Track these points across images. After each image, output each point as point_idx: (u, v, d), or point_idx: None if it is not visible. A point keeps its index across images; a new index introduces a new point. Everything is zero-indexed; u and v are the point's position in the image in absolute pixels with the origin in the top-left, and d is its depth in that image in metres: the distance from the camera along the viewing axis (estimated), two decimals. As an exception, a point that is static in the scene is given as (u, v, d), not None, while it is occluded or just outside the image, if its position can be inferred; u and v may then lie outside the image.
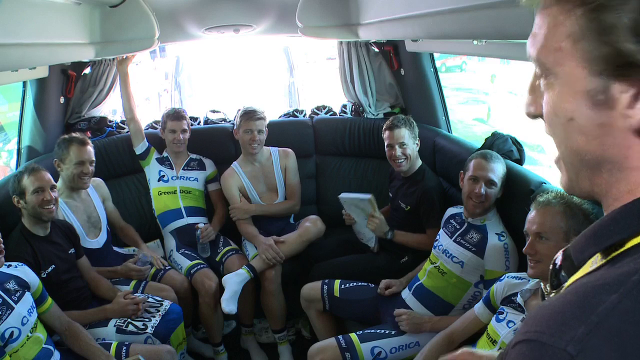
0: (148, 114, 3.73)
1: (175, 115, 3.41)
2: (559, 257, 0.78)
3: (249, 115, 3.27)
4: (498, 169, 2.42)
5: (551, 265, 0.80)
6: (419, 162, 3.01)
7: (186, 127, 3.44)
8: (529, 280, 2.00)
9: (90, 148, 2.92)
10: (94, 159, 2.93)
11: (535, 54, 0.68)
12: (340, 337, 2.45)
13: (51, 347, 2.14)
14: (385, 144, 2.97)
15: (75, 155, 2.84)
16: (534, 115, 0.72)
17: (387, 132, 2.95)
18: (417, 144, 2.95)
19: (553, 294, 0.77)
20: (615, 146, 0.63)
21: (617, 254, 0.62)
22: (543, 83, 0.68)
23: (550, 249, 1.78)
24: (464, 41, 2.44)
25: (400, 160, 2.92)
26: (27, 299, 2.13)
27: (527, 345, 0.59)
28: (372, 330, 2.48)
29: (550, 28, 0.64)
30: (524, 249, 1.85)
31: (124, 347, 2.35)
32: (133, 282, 2.87)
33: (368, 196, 2.96)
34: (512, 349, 0.62)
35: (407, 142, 2.90)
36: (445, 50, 3.09)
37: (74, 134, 2.98)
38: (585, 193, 0.71)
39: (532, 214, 1.87)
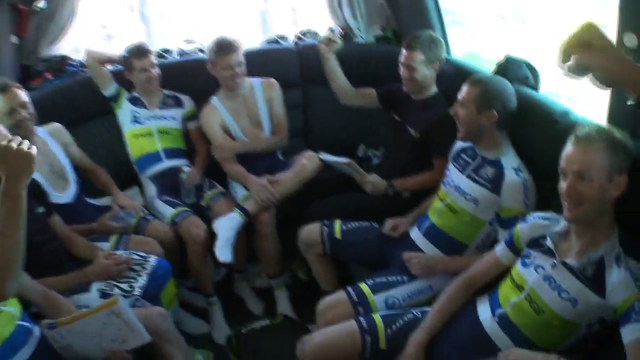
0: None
1: (141, 52, 3.06)
2: None
3: (225, 49, 2.93)
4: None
5: None
6: (435, 89, 2.78)
7: (155, 61, 3.12)
8: (558, 222, 1.81)
9: (16, 90, 2.56)
10: (25, 100, 2.57)
11: None
12: (350, 289, 2.25)
13: (28, 325, 1.86)
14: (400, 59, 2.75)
15: (2, 106, 2.51)
16: None
17: (403, 50, 2.72)
18: (434, 68, 2.72)
19: None
20: None
21: None
22: None
23: (593, 190, 1.58)
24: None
25: (405, 82, 2.74)
26: None
27: None
28: (383, 279, 2.29)
29: None
30: (564, 191, 1.63)
31: None
32: (114, 239, 2.61)
33: (346, 161, 2.79)
34: None
35: (417, 67, 2.67)
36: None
37: None
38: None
39: (570, 150, 1.64)
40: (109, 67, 3.23)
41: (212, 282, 3.01)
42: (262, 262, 3.06)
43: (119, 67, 3.19)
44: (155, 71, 3.10)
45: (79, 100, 3.20)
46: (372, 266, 2.53)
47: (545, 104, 2.21)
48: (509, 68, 2.45)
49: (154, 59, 3.11)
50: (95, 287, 2.29)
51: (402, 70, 2.72)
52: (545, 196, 2.12)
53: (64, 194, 2.62)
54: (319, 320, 2.25)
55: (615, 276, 1.57)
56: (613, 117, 1.86)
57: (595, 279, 1.62)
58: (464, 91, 2.26)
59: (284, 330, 2.72)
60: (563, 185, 1.65)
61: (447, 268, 2.26)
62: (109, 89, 3.14)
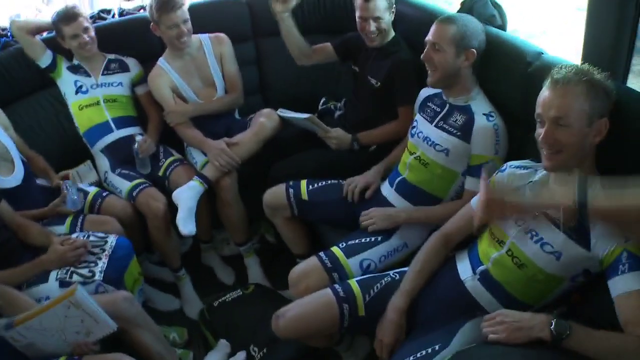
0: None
1: (69, 16, 2.78)
2: None
3: (168, 6, 2.68)
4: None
5: None
6: (392, 33, 2.64)
7: (87, 25, 2.84)
8: (535, 171, 1.73)
9: None
10: None
11: None
12: (322, 255, 2.15)
13: None
14: (357, 14, 2.58)
15: None
16: None
17: (359, 1, 2.55)
18: (392, 12, 2.59)
19: None
20: None
21: None
22: None
23: (572, 136, 1.50)
24: None
25: (373, 36, 2.57)
26: None
27: None
28: (356, 241, 2.20)
29: None
30: (542, 138, 1.54)
31: None
32: (68, 221, 2.43)
33: (306, 116, 2.66)
34: None
35: (382, 16, 2.53)
36: None
37: None
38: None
39: (546, 95, 1.55)
40: (44, 34, 2.96)
41: (178, 255, 2.87)
42: (228, 229, 2.94)
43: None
44: (88, 35, 2.84)
45: (16, 74, 2.92)
46: (343, 226, 2.43)
47: (515, 45, 2.08)
48: (474, 7, 2.31)
49: (86, 22, 2.84)
50: (54, 276, 2.13)
51: (367, 24, 2.56)
52: (517, 144, 2.04)
53: (10, 177, 2.38)
54: (293, 290, 2.15)
55: (600, 227, 1.50)
56: (588, 57, 1.75)
57: (579, 231, 1.54)
58: (436, 32, 2.09)
59: (257, 300, 2.62)
60: (540, 132, 1.57)
61: (411, 218, 2.20)
62: (43, 59, 2.87)
